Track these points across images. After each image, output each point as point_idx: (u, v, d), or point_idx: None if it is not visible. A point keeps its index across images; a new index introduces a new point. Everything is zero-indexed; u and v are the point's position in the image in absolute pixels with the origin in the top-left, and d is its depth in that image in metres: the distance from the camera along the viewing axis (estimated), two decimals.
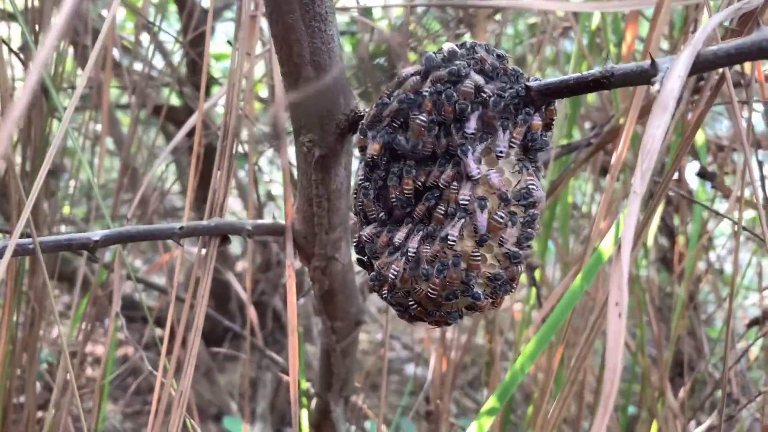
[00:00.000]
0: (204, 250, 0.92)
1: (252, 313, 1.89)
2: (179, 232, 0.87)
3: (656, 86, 0.51)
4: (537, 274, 1.26)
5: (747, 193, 1.34)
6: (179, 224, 0.87)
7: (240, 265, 3.27)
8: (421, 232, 0.67)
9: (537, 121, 0.64)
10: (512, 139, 0.63)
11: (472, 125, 0.64)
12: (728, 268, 2.32)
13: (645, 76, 0.56)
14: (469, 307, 0.69)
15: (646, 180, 0.49)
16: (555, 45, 1.66)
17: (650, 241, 1.56)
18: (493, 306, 0.69)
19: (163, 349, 0.94)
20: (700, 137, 1.45)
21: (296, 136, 0.81)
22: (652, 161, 0.49)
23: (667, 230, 1.82)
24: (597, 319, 0.91)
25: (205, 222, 0.89)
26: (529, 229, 0.67)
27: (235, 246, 3.46)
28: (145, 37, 2.23)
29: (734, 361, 1.49)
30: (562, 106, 1.36)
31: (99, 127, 2.28)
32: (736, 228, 1.06)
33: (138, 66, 1.73)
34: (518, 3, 1.05)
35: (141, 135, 1.64)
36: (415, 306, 0.70)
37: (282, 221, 0.95)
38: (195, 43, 2.06)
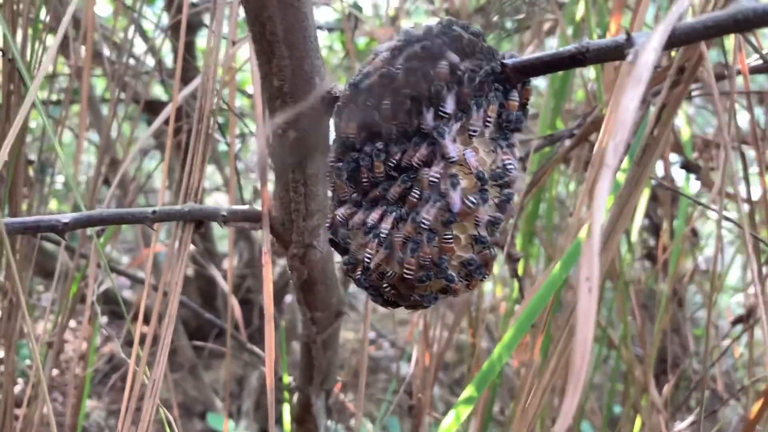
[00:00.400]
0: (179, 237, 0.90)
1: (235, 305, 1.87)
2: (152, 216, 0.85)
3: (630, 57, 0.50)
4: (520, 266, 1.25)
5: (731, 189, 1.34)
6: (152, 208, 0.85)
7: (227, 263, 3.25)
8: (394, 213, 0.66)
9: (512, 100, 0.63)
10: (487, 118, 0.62)
11: (449, 105, 0.63)
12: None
13: (620, 51, 0.55)
14: (443, 290, 0.67)
15: (619, 153, 0.47)
16: (541, 42, 1.65)
17: (634, 236, 1.55)
18: (468, 289, 0.68)
19: (136, 337, 0.93)
20: (685, 133, 1.44)
21: (271, 118, 0.80)
22: (625, 133, 0.48)
23: (653, 227, 1.81)
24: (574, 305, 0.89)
25: (178, 207, 0.87)
26: (504, 211, 0.66)
27: (223, 243, 3.44)
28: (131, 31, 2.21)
29: (718, 356, 1.48)
30: (545, 99, 1.36)
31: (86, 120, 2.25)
32: (718, 219, 1.05)
33: (126, 59, 1.71)
34: None
35: (131, 131, 1.62)
36: (388, 289, 0.69)
37: (259, 207, 0.93)
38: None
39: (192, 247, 2.45)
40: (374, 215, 0.66)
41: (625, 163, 0.91)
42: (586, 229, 0.86)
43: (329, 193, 0.73)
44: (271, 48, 0.72)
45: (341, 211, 0.70)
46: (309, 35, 0.73)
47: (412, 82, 0.63)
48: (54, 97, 2.19)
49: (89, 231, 0.99)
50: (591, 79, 1.65)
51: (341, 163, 0.69)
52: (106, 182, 2.10)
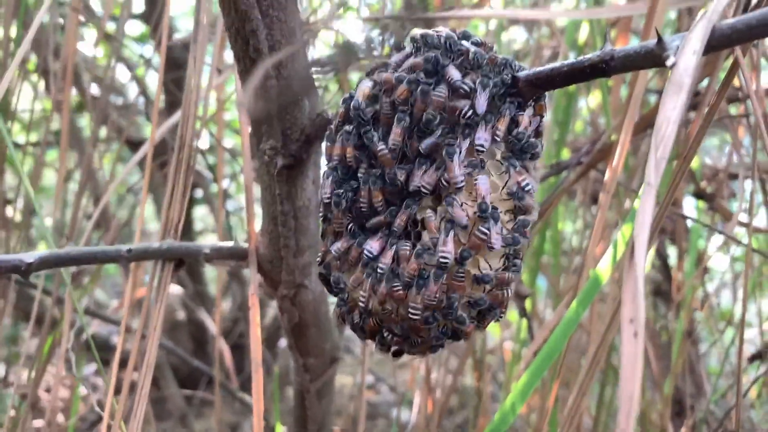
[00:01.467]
0: (158, 277, 0.82)
1: (226, 351, 1.78)
2: (127, 254, 0.77)
3: (670, 60, 0.43)
4: (528, 304, 1.17)
5: (745, 217, 1.27)
6: (127, 246, 0.78)
7: (217, 308, 3.15)
8: (395, 246, 0.58)
9: (523, 117, 0.56)
10: (496, 133, 0.55)
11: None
12: (724, 302, 2.24)
13: (651, 58, 0.48)
14: (453, 332, 0.59)
15: (661, 169, 0.40)
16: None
17: (647, 268, 1.47)
18: (479, 329, 0.60)
19: (110, 387, 0.84)
20: (694, 161, 1.38)
21: (257, 144, 0.73)
22: (668, 148, 0.41)
23: (661, 261, 1.73)
24: (597, 350, 0.81)
25: (156, 244, 0.80)
26: (518, 244, 0.58)
27: (213, 282, 3.34)
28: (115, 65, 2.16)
29: (738, 399, 1.39)
30: (547, 133, 1.30)
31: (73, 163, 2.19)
32: (738, 249, 0.98)
33: (107, 94, 1.65)
34: (503, 13, 0.98)
35: (112, 167, 1.55)
36: (389, 335, 0.61)
37: (245, 244, 0.86)
38: (172, 71, 1.98)
39: (180, 289, 2.36)
40: (373, 246, 0.59)
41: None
42: (604, 264, 0.79)
43: (321, 225, 0.65)
44: (255, 67, 0.65)
45: (336, 246, 0.62)
46: (298, 52, 0.66)
47: (412, 100, 0.56)
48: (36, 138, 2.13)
49: (64, 272, 0.91)
50: (592, 109, 1.59)
51: (338, 192, 0.61)
52: (98, 226, 2.02)
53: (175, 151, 0.83)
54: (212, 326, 2.37)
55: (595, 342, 0.95)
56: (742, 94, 1.05)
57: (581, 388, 0.83)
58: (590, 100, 1.55)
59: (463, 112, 0.54)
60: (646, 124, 1.05)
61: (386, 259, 0.58)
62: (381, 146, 0.57)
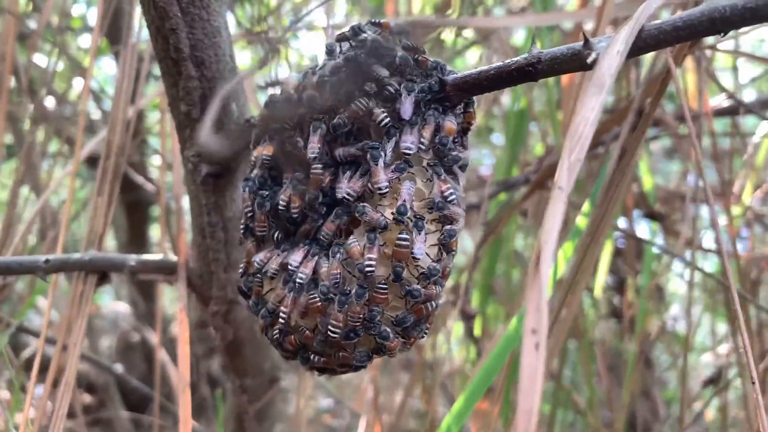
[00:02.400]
0: (79, 291, 0.78)
1: (173, 372, 1.72)
2: (44, 266, 0.73)
3: (591, 57, 0.41)
4: (477, 324, 1.14)
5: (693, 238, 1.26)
6: (45, 257, 0.73)
7: (176, 327, 3.07)
8: (317, 257, 0.55)
9: (449, 123, 0.54)
10: (421, 140, 0.52)
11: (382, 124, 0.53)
12: (681, 328, 2.25)
13: (578, 60, 0.46)
14: (376, 348, 0.56)
15: (574, 173, 0.38)
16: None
17: (598, 292, 1.46)
18: (405, 347, 0.57)
19: (26, 406, 0.79)
20: (647, 182, 1.37)
21: (181, 150, 0.69)
22: (583, 150, 0.38)
23: (617, 284, 1.73)
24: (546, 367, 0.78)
25: (77, 255, 0.75)
26: (443, 255, 0.55)
27: (172, 303, 3.26)
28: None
29: (690, 422, 1.38)
30: (497, 150, 1.28)
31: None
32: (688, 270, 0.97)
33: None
34: (453, 21, 0.97)
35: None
36: (311, 352, 0.57)
37: (175, 257, 0.82)
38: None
39: (127, 308, 2.29)
40: (295, 257, 0.55)
41: (585, 207, 0.83)
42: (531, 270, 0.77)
43: (242, 229, 0.61)
44: (177, 67, 0.62)
45: (259, 257, 0.59)
46: (222, 53, 0.63)
47: (336, 99, 0.54)
48: None
49: None
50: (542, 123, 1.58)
51: (262, 192, 0.58)
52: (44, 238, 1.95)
53: (101, 159, 0.79)
54: (160, 349, 2.29)
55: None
56: (694, 113, 1.05)
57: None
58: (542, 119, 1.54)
59: (381, 119, 0.52)
60: (595, 141, 1.04)
61: (307, 270, 0.55)
62: (309, 154, 0.55)
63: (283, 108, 0.56)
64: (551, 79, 1.09)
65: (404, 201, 0.52)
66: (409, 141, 0.52)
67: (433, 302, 0.55)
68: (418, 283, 0.54)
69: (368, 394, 1.29)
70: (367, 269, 0.51)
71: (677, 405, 1.75)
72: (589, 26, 1.09)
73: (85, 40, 2.33)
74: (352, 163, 0.56)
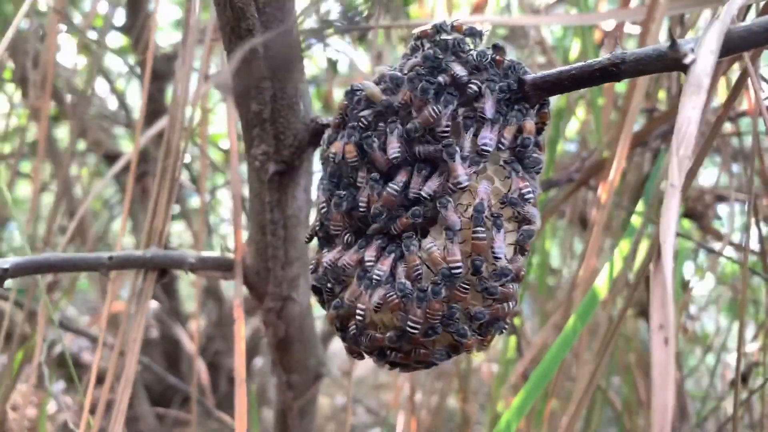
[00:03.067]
0: (139, 287, 0.79)
1: (202, 369, 1.74)
2: (108, 262, 0.74)
3: (689, 58, 0.42)
4: (516, 320, 1.14)
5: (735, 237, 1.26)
6: (108, 253, 0.74)
7: (194, 324, 3.09)
8: (393, 254, 0.56)
9: (529, 123, 0.54)
10: (501, 140, 0.53)
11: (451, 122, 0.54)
12: (705, 326, 2.24)
13: (663, 61, 0.47)
14: (453, 346, 0.57)
15: (685, 170, 0.38)
16: None
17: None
18: (482, 345, 0.58)
19: (86, 405, 0.80)
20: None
21: (247, 149, 0.70)
22: (690, 148, 0.39)
23: (646, 282, 1.73)
24: (595, 370, 0.79)
25: (139, 252, 0.76)
26: (521, 253, 0.56)
27: (190, 303, 3.28)
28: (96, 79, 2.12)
29: (724, 422, 1.38)
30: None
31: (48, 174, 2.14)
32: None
33: (86, 104, 1.61)
34: (495, 19, 0.97)
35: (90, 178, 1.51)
36: (389, 349, 0.58)
37: (231, 255, 0.83)
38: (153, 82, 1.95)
39: (155, 304, 2.30)
40: (370, 253, 0.56)
41: (640, 207, 0.83)
42: (601, 279, 0.77)
43: (312, 232, 0.62)
44: (249, 66, 0.63)
45: (331, 255, 0.59)
46: (294, 54, 0.64)
47: (412, 98, 0.54)
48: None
49: (40, 282, 0.87)
50: (581, 121, 1.58)
51: (340, 193, 0.58)
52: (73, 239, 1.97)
53: (160, 157, 0.80)
54: (188, 343, 2.31)
55: (587, 363, 0.93)
56: (734, 113, 1.05)
57: (577, 410, 0.81)
58: (578, 118, 1.54)
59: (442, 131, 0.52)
60: (637, 142, 1.05)
61: (384, 266, 0.55)
62: (381, 155, 0.55)
63: (360, 105, 0.57)
64: None
65: (482, 199, 0.53)
66: (487, 137, 0.53)
67: (510, 302, 0.56)
68: (495, 281, 0.54)
69: (404, 391, 1.30)
70: (455, 271, 0.52)
71: (705, 404, 1.75)
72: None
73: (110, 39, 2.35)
74: (427, 161, 0.56)
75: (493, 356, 1.73)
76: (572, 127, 1.58)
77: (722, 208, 1.55)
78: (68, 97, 1.77)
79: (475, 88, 0.53)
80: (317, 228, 0.61)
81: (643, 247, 1.11)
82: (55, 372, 1.78)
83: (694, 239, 1.14)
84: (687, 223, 1.34)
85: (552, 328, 1.06)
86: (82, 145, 2.14)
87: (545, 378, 0.71)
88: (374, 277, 0.56)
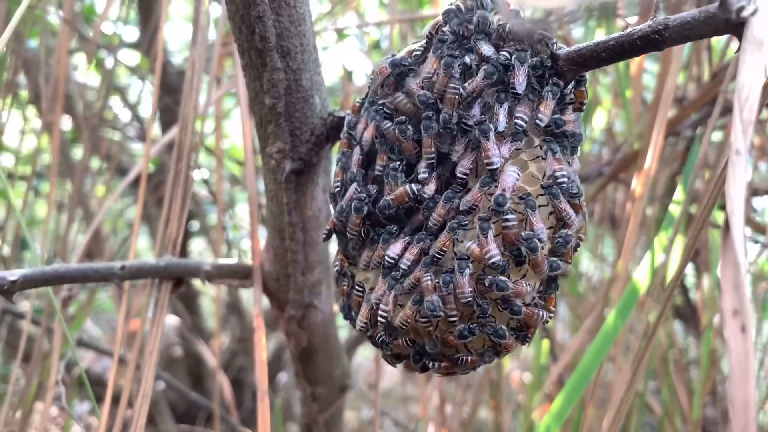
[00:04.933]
0: (155, 297, 0.75)
1: (225, 384, 1.70)
2: (120, 272, 0.71)
3: (748, 10, 0.37)
4: (549, 324, 1.09)
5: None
6: (120, 263, 0.71)
7: (216, 340, 3.05)
8: (421, 243, 0.52)
9: (565, 99, 0.50)
10: (538, 116, 0.49)
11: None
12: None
13: (713, 23, 0.43)
14: (493, 348, 0.53)
15: (749, 134, 0.34)
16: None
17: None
18: (524, 342, 0.53)
19: (102, 422, 0.76)
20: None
21: (262, 148, 0.66)
22: (753, 111, 0.35)
23: (682, 283, 1.66)
24: (634, 373, 0.74)
25: (152, 261, 0.73)
26: (563, 246, 0.52)
27: (213, 320, 3.25)
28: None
29: None
30: None
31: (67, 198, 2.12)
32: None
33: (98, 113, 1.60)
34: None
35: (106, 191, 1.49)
36: (427, 358, 0.54)
37: (249, 261, 0.79)
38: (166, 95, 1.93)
39: (176, 320, 2.28)
40: (395, 249, 0.52)
41: (679, 195, 0.78)
42: (642, 271, 0.72)
43: (333, 229, 0.58)
44: (261, 58, 0.59)
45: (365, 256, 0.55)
46: (307, 42, 0.60)
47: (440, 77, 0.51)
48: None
49: (53, 296, 0.84)
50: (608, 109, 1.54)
51: (360, 196, 0.55)
52: (89, 256, 1.95)
53: (173, 161, 0.77)
54: (211, 359, 2.28)
55: (623, 368, 0.88)
56: None
57: (616, 416, 0.76)
58: (604, 109, 1.49)
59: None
60: (669, 131, 1.00)
61: (410, 255, 0.52)
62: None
63: (386, 89, 0.53)
64: (622, 68, 1.05)
65: (503, 190, 0.49)
66: (522, 112, 0.49)
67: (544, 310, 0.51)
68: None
69: (433, 401, 1.26)
70: (492, 261, 0.48)
71: None
72: None
73: (123, 57, 2.34)
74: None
75: (524, 364, 1.67)
76: (598, 125, 1.53)
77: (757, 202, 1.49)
78: (82, 112, 1.76)
79: (504, 57, 0.49)
80: (336, 225, 0.57)
81: (679, 242, 1.05)
82: (77, 392, 1.75)
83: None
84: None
85: (586, 332, 1.01)
86: (97, 162, 2.13)
87: (584, 380, 0.66)
88: (402, 268, 0.52)
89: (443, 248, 0.50)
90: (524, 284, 0.49)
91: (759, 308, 2.04)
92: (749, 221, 1.11)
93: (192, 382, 2.78)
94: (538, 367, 1.24)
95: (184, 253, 2.44)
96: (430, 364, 0.53)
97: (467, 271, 0.48)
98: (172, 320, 2.51)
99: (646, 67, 1.17)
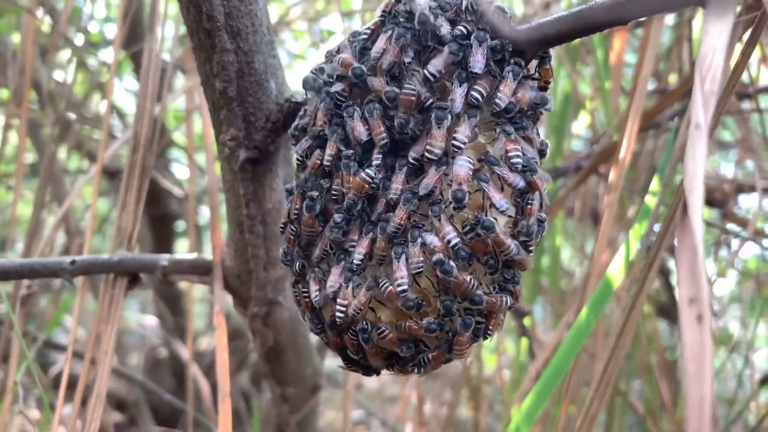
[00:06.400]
0: (108, 294, 0.72)
1: (203, 385, 1.67)
2: (70, 267, 0.67)
3: None
4: (527, 321, 1.07)
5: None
6: (71, 258, 0.68)
7: (205, 342, 3.02)
8: (371, 234, 0.49)
9: (523, 83, 0.47)
10: (498, 96, 0.46)
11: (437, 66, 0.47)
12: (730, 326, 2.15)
13: None
14: (448, 343, 0.50)
15: (711, 107, 0.31)
16: None
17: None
18: (485, 336, 0.50)
19: (55, 419, 0.73)
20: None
21: (216, 136, 0.63)
22: (716, 81, 0.32)
23: (663, 279, 1.64)
24: (607, 366, 0.71)
25: (105, 256, 0.70)
26: (523, 238, 0.49)
27: (199, 317, 3.21)
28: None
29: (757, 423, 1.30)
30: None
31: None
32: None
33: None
34: None
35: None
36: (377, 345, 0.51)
37: (209, 257, 0.76)
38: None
39: (154, 323, 2.24)
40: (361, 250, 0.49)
41: (655, 186, 0.75)
42: (615, 266, 0.69)
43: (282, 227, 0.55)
44: (210, 39, 0.56)
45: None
46: (259, 23, 0.57)
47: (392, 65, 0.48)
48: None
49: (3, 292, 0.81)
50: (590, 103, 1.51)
51: (311, 194, 0.52)
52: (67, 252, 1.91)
53: (129, 152, 0.73)
54: (189, 359, 2.24)
55: (602, 359, 0.85)
56: (753, 89, 0.98)
57: (589, 411, 0.73)
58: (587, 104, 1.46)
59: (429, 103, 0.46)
60: (649, 122, 0.97)
61: (362, 249, 0.49)
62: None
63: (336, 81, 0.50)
64: (601, 58, 1.02)
65: (459, 185, 0.46)
66: (480, 86, 0.46)
67: (506, 295, 0.49)
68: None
69: (411, 401, 1.23)
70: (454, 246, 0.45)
71: (733, 406, 1.65)
72: None
73: (105, 55, 2.30)
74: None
75: (506, 362, 1.64)
76: (581, 122, 1.51)
77: (744, 198, 1.46)
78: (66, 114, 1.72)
79: (460, 36, 0.46)
80: (291, 220, 0.54)
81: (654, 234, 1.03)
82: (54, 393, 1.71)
83: (717, 226, 1.06)
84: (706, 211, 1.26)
85: (565, 327, 0.98)
86: (77, 162, 2.09)
87: (556, 377, 0.63)
88: (354, 263, 0.49)
89: (400, 224, 0.47)
90: (468, 277, 0.47)
91: (746, 308, 2.03)
92: (733, 217, 1.09)
93: (176, 383, 2.74)
94: (518, 365, 1.22)
95: (170, 252, 2.40)
96: (426, 356, 0.50)
97: (419, 241, 0.46)
98: (154, 321, 2.47)
99: (627, 60, 1.14)
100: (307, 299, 0.53)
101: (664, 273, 1.59)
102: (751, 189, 1.31)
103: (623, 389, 1.21)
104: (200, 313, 3.09)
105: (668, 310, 1.62)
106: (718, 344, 1.90)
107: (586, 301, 0.86)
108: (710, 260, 1.61)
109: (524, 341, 1.11)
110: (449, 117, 0.45)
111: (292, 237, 0.54)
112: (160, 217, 2.22)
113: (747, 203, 1.57)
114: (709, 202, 1.08)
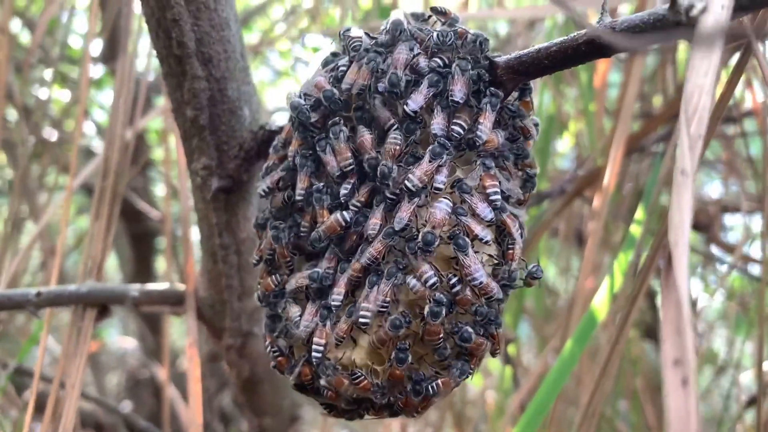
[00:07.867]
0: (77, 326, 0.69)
1: (183, 408, 1.63)
2: (35, 299, 0.65)
3: (696, 8, 0.33)
4: (511, 349, 1.05)
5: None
6: (37, 289, 0.65)
7: (184, 362, 2.96)
8: (347, 274, 0.47)
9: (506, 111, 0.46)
10: (479, 128, 0.44)
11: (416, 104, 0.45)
12: (714, 345, 2.15)
13: (662, 26, 0.38)
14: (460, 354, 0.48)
15: (697, 152, 0.29)
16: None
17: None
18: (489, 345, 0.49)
19: None
20: None
21: (188, 164, 0.61)
22: (703, 123, 0.30)
23: (650, 299, 1.63)
24: (591, 398, 0.69)
25: (73, 287, 0.67)
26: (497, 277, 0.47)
27: (180, 335, 3.16)
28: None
29: None
30: None
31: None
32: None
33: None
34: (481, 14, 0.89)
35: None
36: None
37: (182, 286, 0.73)
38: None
39: (134, 343, 2.20)
40: (338, 291, 0.47)
41: (639, 215, 0.74)
42: (599, 298, 0.68)
43: (258, 257, 0.53)
44: (181, 66, 0.54)
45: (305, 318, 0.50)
46: (232, 49, 0.55)
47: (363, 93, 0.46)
48: None
49: None
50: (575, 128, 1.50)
51: (276, 224, 0.50)
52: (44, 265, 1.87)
53: (99, 178, 0.71)
54: (169, 385, 2.19)
55: (587, 383, 0.83)
56: (737, 113, 0.97)
57: None
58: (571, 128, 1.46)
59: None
60: (634, 146, 0.96)
61: (339, 288, 0.47)
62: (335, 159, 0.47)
63: (310, 110, 0.48)
64: (585, 81, 1.01)
65: (433, 228, 0.45)
66: (461, 119, 0.45)
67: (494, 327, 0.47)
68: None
69: (393, 427, 1.20)
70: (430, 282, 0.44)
71: (719, 426, 1.64)
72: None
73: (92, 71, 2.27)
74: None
75: (490, 384, 1.62)
76: (565, 144, 1.50)
77: (728, 219, 1.46)
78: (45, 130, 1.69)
79: (441, 66, 0.44)
80: (266, 252, 0.52)
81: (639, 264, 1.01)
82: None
83: (702, 251, 1.05)
84: (692, 236, 1.25)
85: (551, 354, 0.96)
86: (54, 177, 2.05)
87: (543, 409, 0.61)
88: (332, 303, 0.47)
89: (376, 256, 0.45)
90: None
91: (732, 327, 2.02)
92: (717, 241, 1.08)
93: (157, 403, 2.69)
94: (502, 390, 1.19)
95: (149, 270, 2.36)
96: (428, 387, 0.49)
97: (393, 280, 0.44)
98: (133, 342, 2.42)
99: (611, 81, 1.13)
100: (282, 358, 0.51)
101: (650, 294, 1.58)
102: (736, 209, 1.30)
103: (609, 415, 1.20)
104: (182, 331, 3.04)
105: (654, 332, 1.61)
106: (704, 363, 1.89)
107: (570, 331, 0.84)
108: (697, 279, 1.60)
109: (508, 370, 1.09)
110: (428, 155, 0.44)
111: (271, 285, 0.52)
112: (141, 234, 2.19)
113: (732, 221, 1.57)
114: (695, 225, 1.07)
